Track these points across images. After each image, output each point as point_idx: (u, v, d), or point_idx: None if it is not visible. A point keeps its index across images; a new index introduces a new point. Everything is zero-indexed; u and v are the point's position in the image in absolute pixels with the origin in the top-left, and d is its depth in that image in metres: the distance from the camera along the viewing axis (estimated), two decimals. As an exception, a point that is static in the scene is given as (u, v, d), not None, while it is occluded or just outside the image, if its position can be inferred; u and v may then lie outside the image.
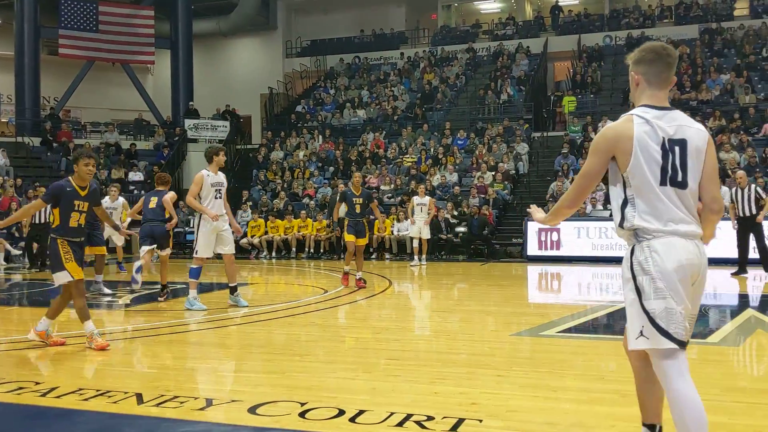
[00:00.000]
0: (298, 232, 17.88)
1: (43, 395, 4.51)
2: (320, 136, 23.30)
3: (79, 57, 25.22)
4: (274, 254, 17.98)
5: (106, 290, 10.23)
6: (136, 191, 21.67)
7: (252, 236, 18.22)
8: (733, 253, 12.16)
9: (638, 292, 2.84)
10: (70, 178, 6.14)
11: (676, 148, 2.88)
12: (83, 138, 24.08)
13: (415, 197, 15.53)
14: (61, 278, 5.98)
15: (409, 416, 3.98)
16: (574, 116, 21.13)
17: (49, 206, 6.04)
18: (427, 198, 15.41)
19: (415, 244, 15.30)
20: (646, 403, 3.18)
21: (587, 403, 4.31)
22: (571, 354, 5.88)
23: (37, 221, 14.71)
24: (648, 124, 2.89)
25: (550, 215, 3.29)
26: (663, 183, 2.87)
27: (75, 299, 6.02)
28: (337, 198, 11.52)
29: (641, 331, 2.84)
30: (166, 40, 26.23)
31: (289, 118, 25.16)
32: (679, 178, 2.88)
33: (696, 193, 2.95)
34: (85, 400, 4.40)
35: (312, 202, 19.11)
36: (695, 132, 2.94)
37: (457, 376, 4.96)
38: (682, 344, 2.83)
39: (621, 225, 2.95)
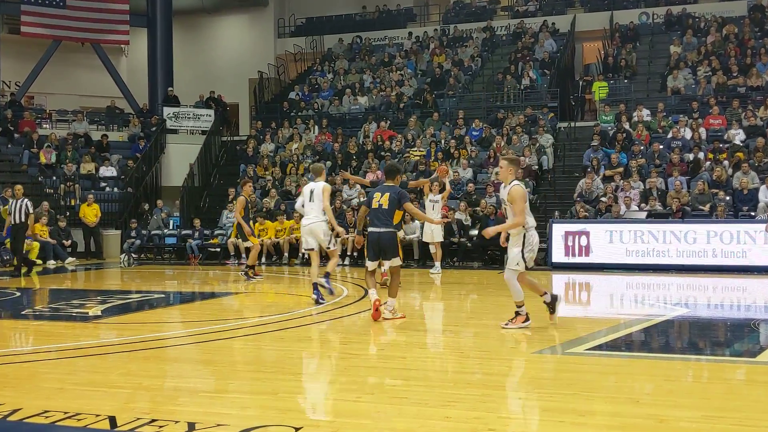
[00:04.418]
0: (291, 234, 17.91)
1: (4, 417, 4.55)
2: (316, 127, 23.31)
3: (44, 36, 25.27)
4: (263, 260, 18.01)
5: None
6: (108, 188, 21.76)
7: (237, 239, 18.20)
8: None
9: (522, 251, 7.62)
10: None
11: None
12: (48, 128, 24.15)
13: (430, 195, 15.30)
14: (396, 262, 8.60)
15: (417, 443, 3.99)
16: (605, 104, 21.10)
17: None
18: (440, 195, 15.21)
19: (432, 249, 15.16)
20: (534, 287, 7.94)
21: (619, 428, 4.33)
22: (600, 374, 5.90)
23: (15, 221, 15.13)
24: (522, 187, 7.74)
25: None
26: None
27: (395, 278, 8.64)
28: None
29: (517, 263, 7.67)
30: (143, 18, 26.28)
31: (281, 106, 25.20)
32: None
33: None
34: (52, 423, 4.43)
35: (307, 201, 19.12)
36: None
37: (472, 399, 4.98)
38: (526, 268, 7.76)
39: (524, 225, 7.59)
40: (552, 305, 7.91)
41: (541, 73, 23.29)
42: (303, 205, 10.51)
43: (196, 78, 28.44)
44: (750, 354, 7.05)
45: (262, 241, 17.99)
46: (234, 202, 19.50)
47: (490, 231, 7.96)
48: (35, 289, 13.52)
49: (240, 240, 14.83)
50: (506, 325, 7.75)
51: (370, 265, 8.69)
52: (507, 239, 7.83)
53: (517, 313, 7.77)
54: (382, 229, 8.41)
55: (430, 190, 14.87)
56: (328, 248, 10.37)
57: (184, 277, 15.77)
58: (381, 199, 8.43)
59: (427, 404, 4.87)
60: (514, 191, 7.52)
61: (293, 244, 17.90)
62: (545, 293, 7.88)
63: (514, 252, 7.66)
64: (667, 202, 15.91)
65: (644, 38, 24.73)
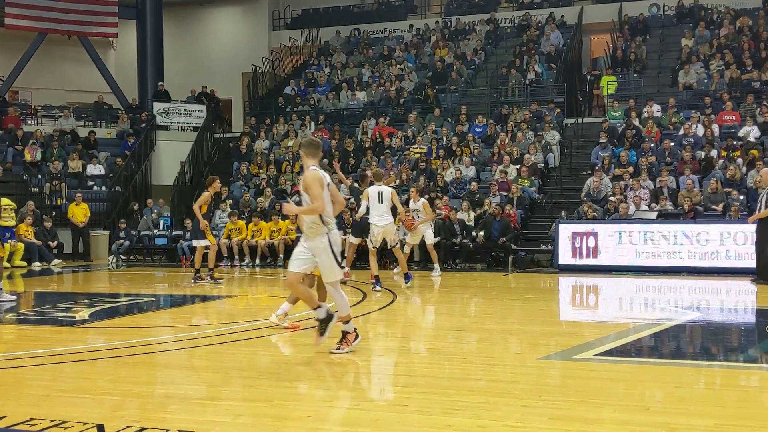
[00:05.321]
0: (286, 235, 17.91)
1: (-13, 426, 4.56)
2: (312, 123, 23.32)
3: (29, 28, 25.29)
4: (257, 261, 18.02)
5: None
6: (96, 187, 21.76)
7: (229, 239, 18.21)
8: None
9: (334, 254, 6.71)
10: None
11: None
12: (33, 124, 24.15)
13: (410, 203, 15.24)
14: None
15: (418, 452, 4.00)
16: (614, 99, 21.13)
17: None
18: (422, 201, 15.08)
19: (407, 249, 14.85)
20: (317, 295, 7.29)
21: (628, 437, 4.33)
22: (609, 381, 5.91)
23: None
24: (318, 172, 6.71)
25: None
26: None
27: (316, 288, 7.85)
28: None
29: (337, 272, 6.82)
30: (132, 9, 26.30)
31: (276, 101, 25.22)
32: None
33: None
34: (37, 432, 4.44)
35: (303, 200, 19.13)
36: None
37: (475, 406, 4.98)
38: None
39: (322, 220, 6.65)
40: (324, 324, 6.78)
41: (547, 67, 23.31)
42: (368, 207, 11.81)
43: (187, 72, 28.46)
44: (765, 360, 7.06)
45: (256, 242, 18.06)
46: (226, 200, 19.59)
47: (292, 209, 6.87)
48: (20, 293, 13.52)
49: (193, 239, 13.92)
50: (336, 349, 6.83)
51: None
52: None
53: (345, 333, 6.87)
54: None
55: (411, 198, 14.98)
56: (394, 246, 12.19)
57: (174, 279, 15.76)
58: None
59: (428, 412, 4.87)
60: (305, 176, 6.66)
61: (288, 245, 17.90)
62: (320, 307, 6.84)
63: (325, 260, 6.71)
64: (679, 201, 15.93)
65: (654, 31, 24.76)
